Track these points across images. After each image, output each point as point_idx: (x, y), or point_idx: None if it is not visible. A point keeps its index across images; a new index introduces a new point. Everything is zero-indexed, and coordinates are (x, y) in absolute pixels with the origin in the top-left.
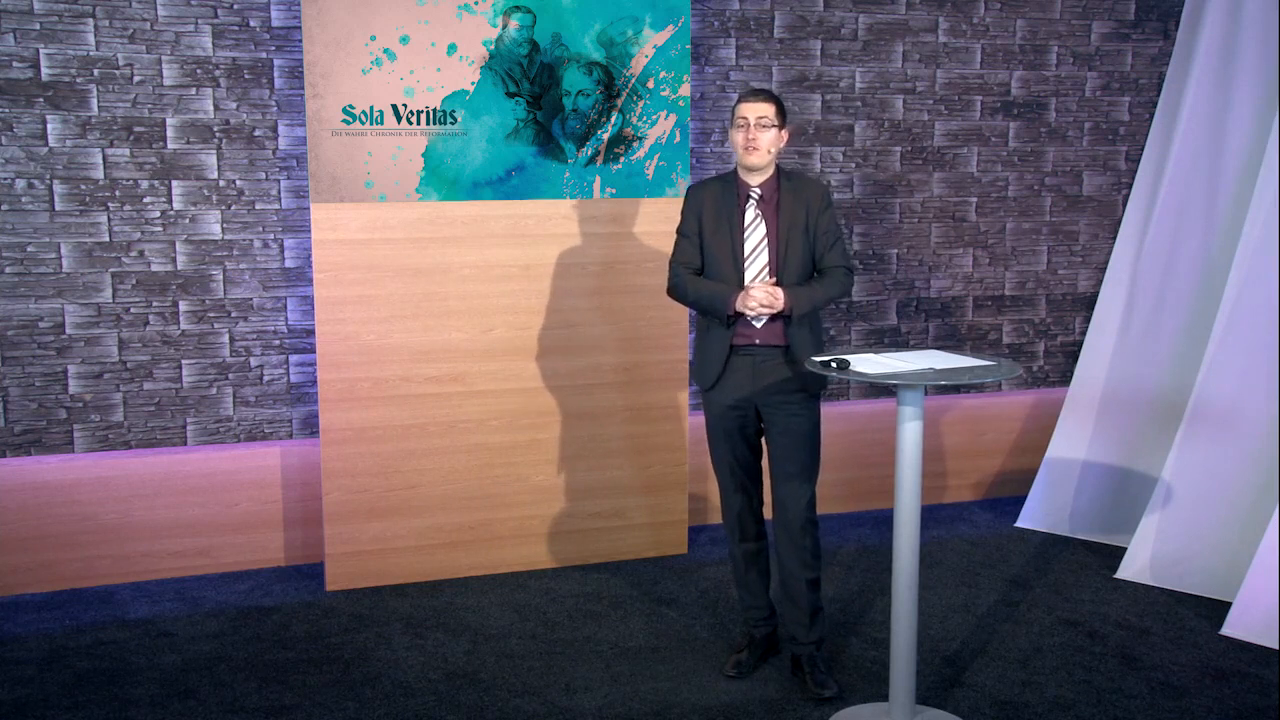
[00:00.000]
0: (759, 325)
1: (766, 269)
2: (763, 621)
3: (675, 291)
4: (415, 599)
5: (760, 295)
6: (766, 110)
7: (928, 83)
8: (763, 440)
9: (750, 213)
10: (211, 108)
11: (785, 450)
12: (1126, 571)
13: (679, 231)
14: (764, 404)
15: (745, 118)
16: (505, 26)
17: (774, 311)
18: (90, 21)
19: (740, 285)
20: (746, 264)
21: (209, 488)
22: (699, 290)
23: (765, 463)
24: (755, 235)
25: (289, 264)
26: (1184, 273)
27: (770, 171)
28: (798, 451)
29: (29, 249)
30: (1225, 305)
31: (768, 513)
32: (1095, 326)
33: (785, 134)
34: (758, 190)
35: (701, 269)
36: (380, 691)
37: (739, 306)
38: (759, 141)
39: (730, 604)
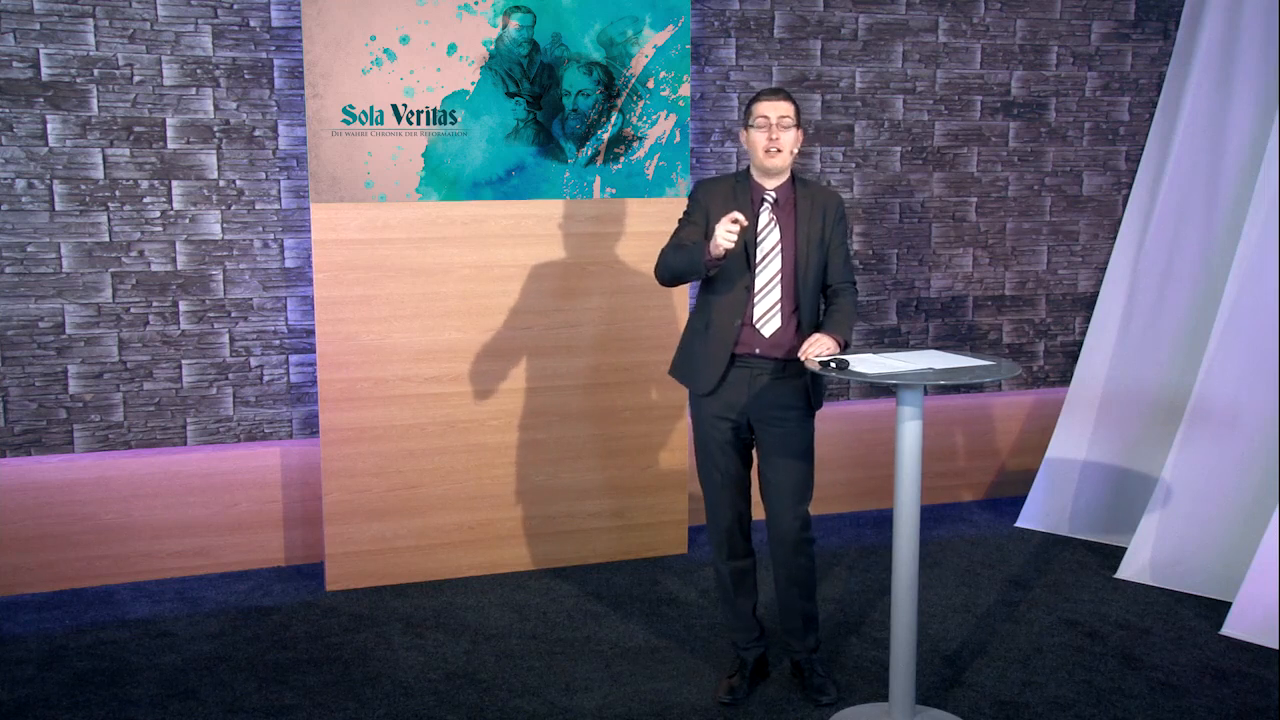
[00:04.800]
0: (766, 335)
1: (779, 276)
2: (753, 644)
3: (658, 266)
4: (415, 599)
5: (817, 351)
6: (787, 110)
7: (928, 83)
8: (753, 453)
9: (764, 217)
10: (211, 108)
11: (780, 467)
12: (1126, 571)
13: (681, 220)
14: (758, 417)
15: (766, 117)
16: (505, 26)
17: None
18: (90, 21)
19: (748, 290)
20: (758, 270)
21: (209, 488)
22: (675, 253)
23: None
24: (768, 241)
25: (289, 264)
26: (1184, 273)
27: (786, 175)
28: (793, 469)
29: (29, 249)
30: (1225, 305)
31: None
32: (1095, 326)
33: (800, 134)
34: (772, 194)
35: None
36: (380, 691)
37: (716, 247)
38: (781, 142)
39: None
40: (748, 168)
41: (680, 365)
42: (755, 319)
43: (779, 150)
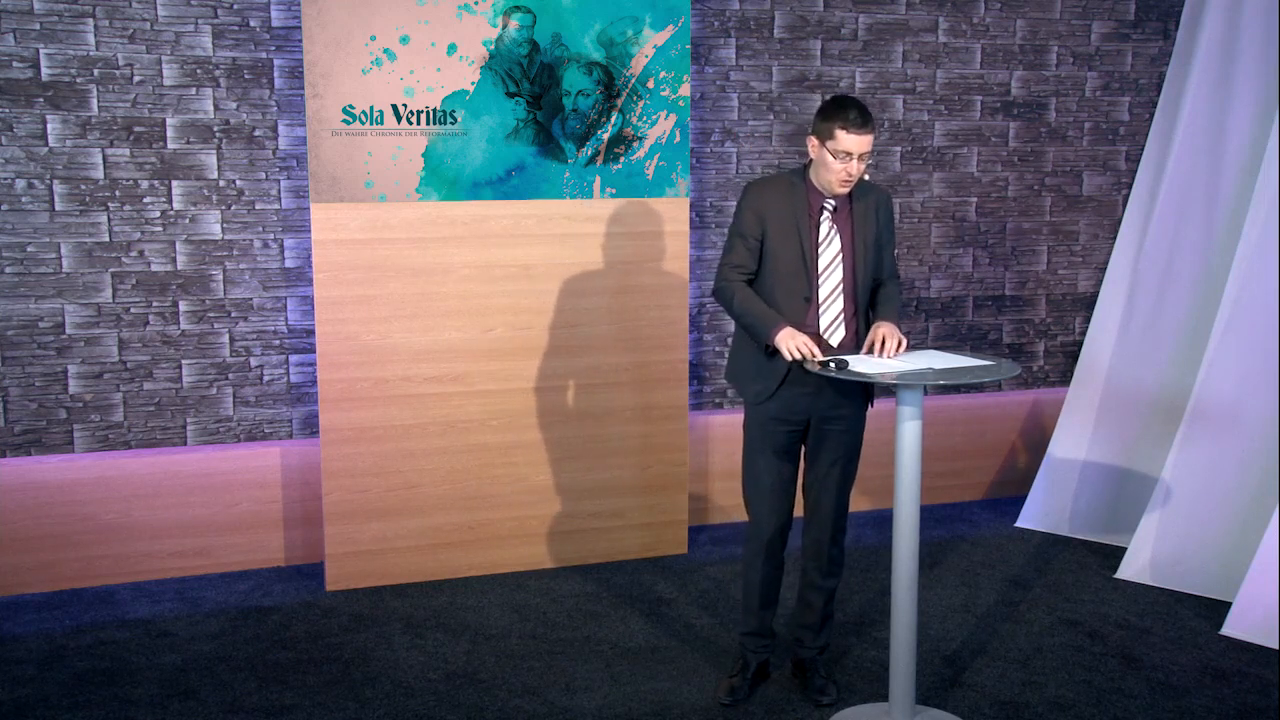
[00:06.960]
0: (834, 345)
1: (841, 286)
2: (762, 648)
3: (722, 297)
4: (415, 599)
5: (893, 348)
6: (870, 144)
7: (928, 83)
8: (801, 454)
9: (825, 226)
10: (211, 108)
11: (833, 458)
12: (1126, 571)
13: (736, 231)
14: (821, 416)
15: (850, 153)
16: (505, 26)
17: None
18: (90, 21)
19: (809, 300)
20: (821, 279)
21: (209, 488)
22: (745, 308)
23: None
24: (830, 250)
25: (289, 264)
26: (1184, 273)
27: None
28: (846, 460)
29: (29, 249)
30: (1225, 305)
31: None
32: (1095, 326)
33: None
34: (832, 202)
35: (755, 273)
36: (380, 691)
37: (779, 344)
38: (856, 175)
39: (730, 604)
40: (803, 169)
41: (738, 372)
42: (823, 330)
43: (851, 183)
